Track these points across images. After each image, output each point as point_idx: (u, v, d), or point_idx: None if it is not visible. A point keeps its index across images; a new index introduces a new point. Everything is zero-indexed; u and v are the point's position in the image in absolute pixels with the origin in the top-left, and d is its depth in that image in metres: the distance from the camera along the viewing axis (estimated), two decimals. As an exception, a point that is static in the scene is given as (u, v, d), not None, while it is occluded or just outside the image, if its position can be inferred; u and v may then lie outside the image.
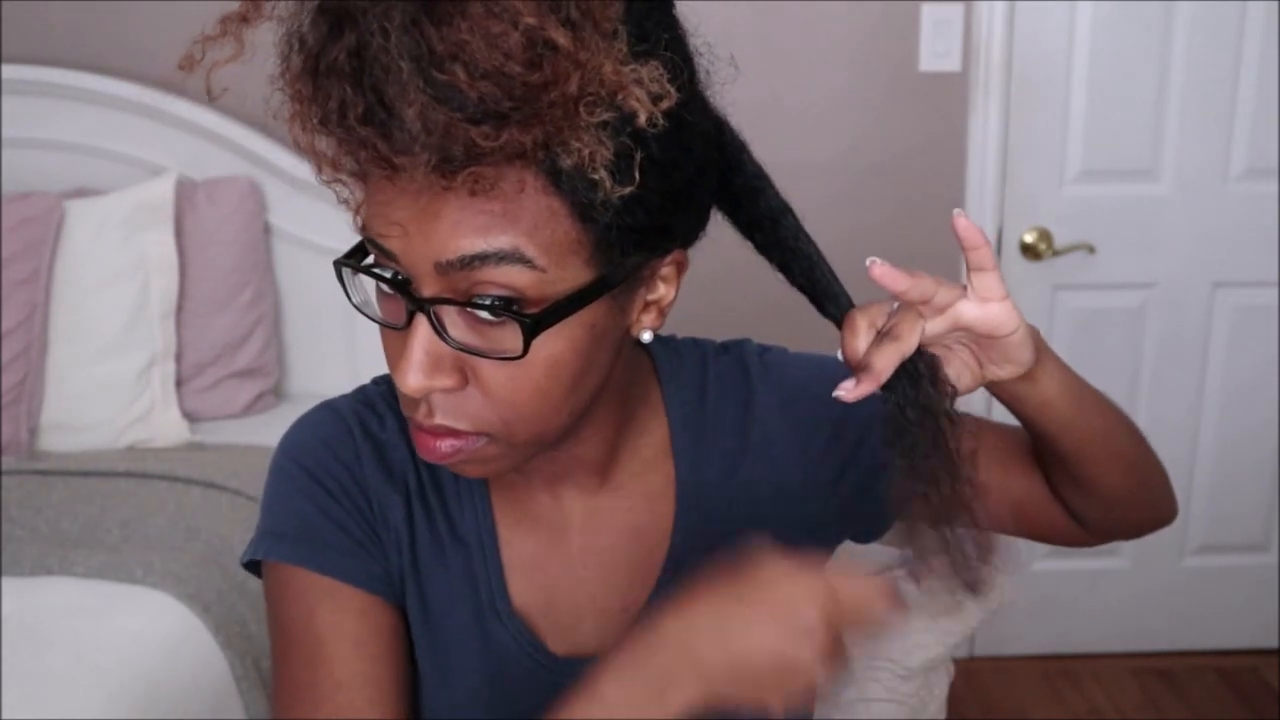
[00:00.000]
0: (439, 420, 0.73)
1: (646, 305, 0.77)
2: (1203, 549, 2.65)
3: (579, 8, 0.63)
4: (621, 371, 0.82)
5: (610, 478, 0.88)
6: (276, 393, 2.35)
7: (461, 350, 0.70)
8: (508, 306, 0.68)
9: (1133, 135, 2.41)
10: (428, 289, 0.69)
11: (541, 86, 0.62)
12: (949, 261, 2.47)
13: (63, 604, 1.66)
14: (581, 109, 0.63)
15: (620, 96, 0.64)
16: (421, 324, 0.70)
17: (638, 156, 0.66)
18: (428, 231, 0.67)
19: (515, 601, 0.88)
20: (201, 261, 2.23)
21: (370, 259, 0.72)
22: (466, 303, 0.68)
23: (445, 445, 0.74)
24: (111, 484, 1.96)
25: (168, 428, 2.17)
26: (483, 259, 0.67)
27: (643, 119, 0.65)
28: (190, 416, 2.23)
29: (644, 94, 0.65)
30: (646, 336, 0.78)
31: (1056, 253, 2.44)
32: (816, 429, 0.91)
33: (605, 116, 0.64)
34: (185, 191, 2.25)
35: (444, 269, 0.67)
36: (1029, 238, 2.44)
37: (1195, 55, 2.36)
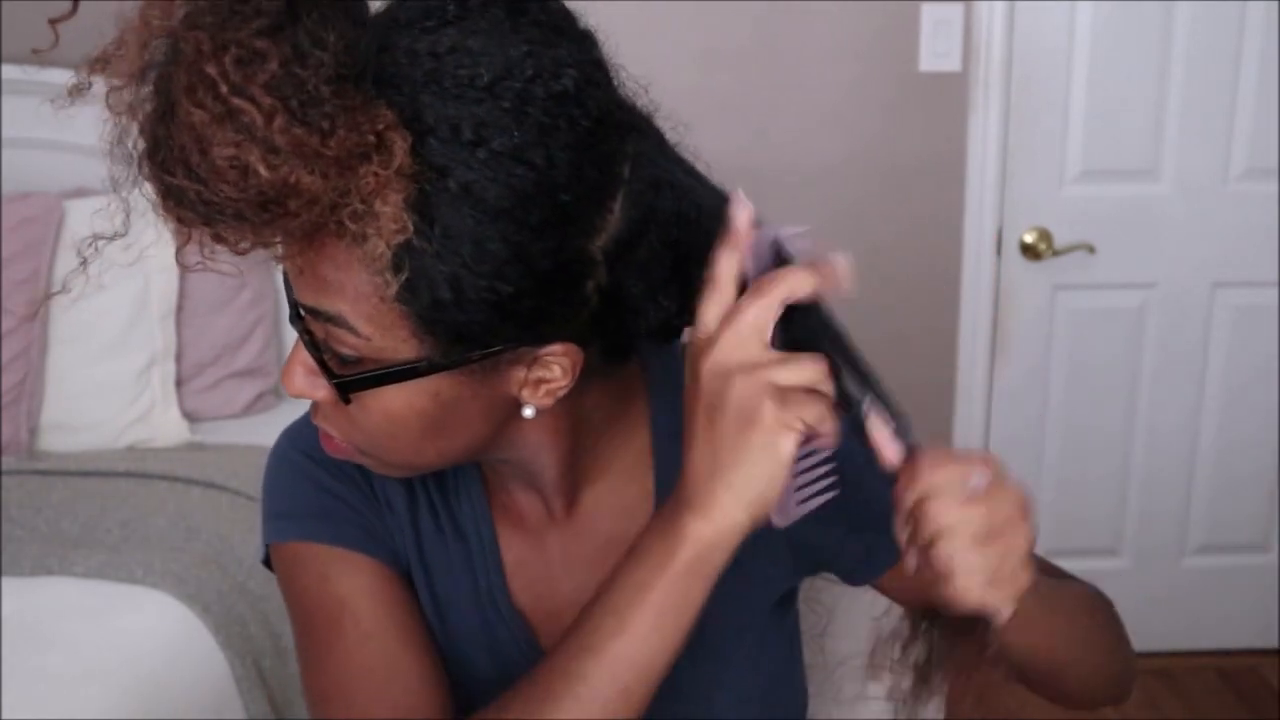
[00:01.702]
0: (318, 422, 0.78)
1: (535, 383, 0.74)
2: (1203, 549, 2.65)
3: (286, 137, 0.61)
4: (583, 402, 0.80)
5: (581, 492, 0.87)
6: (276, 393, 2.35)
7: (320, 371, 0.73)
8: (324, 358, 0.71)
9: (1133, 135, 2.41)
10: (303, 313, 0.72)
11: (256, 203, 0.62)
12: (948, 261, 2.49)
13: (63, 604, 1.66)
14: (342, 216, 0.63)
15: (377, 219, 0.63)
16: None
17: (403, 275, 0.65)
18: (289, 274, 0.71)
19: (514, 597, 0.89)
20: (201, 261, 2.23)
21: None
22: (305, 339, 0.72)
23: (330, 444, 0.79)
24: (111, 484, 1.95)
25: (168, 428, 2.17)
26: (317, 314, 0.70)
27: (380, 248, 0.64)
28: (190, 416, 2.23)
29: (384, 224, 0.63)
30: (528, 413, 0.75)
31: (1056, 253, 2.44)
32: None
33: (367, 228, 0.64)
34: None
35: (302, 307, 0.71)
36: (1029, 238, 2.44)
37: (1195, 55, 2.36)
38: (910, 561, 0.69)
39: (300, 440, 0.89)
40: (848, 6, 2.33)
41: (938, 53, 2.35)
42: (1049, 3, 2.35)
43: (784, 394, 0.66)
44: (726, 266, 0.68)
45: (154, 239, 0.71)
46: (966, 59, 2.36)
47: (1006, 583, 0.67)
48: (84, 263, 0.71)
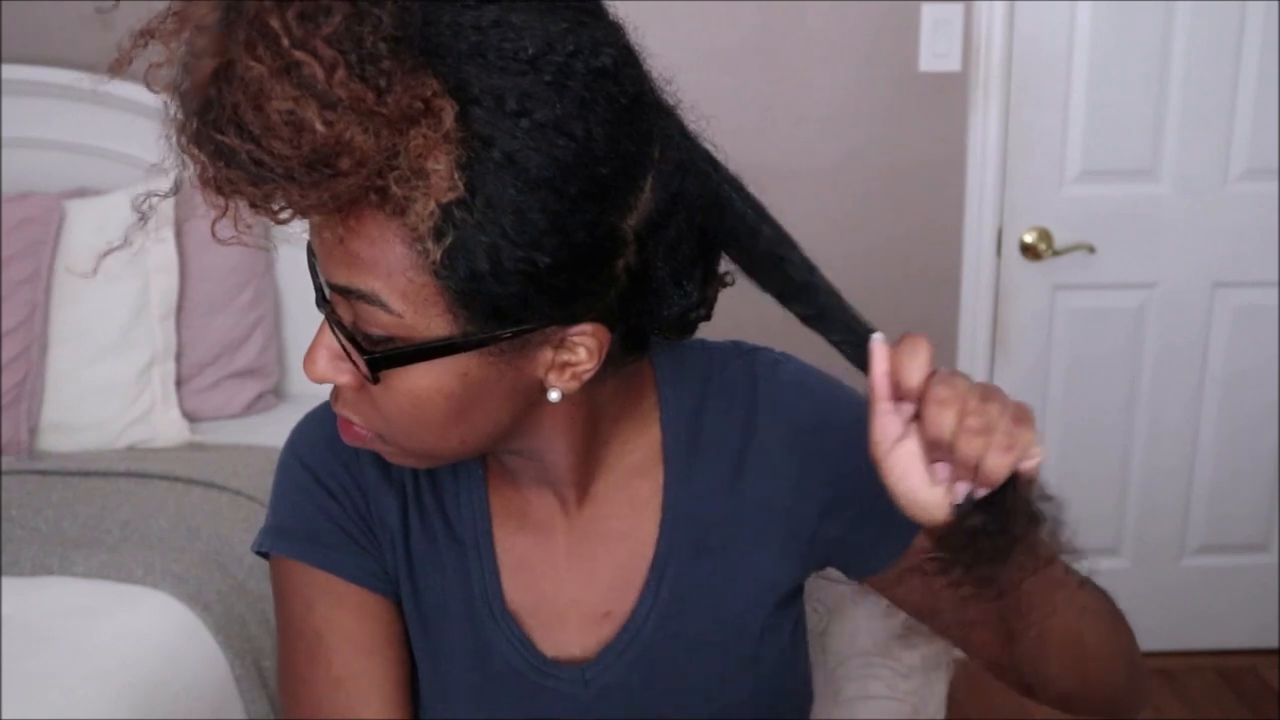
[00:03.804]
0: (339, 409, 0.78)
1: (561, 365, 0.74)
2: (1203, 549, 2.65)
3: (346, 90, 0.61)
4: (598, 393, 0.81)
5: (592, 486, 0.88)
6: (276, 393, 2.35)
7: (346, 355, 0.73)
8: (355, 337, 0.71)
9: (1133, 135, 2.41)
10: (329, 295, 0.73)
11: (307, 162, 0.62)
12: (948, 261, 2.48)
13: (63, 604, 1.66)
14: (390, 180, 0.64)
15: (427, 179, 0.64)
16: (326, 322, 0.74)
17: (447, 239, 0.65)
18: (321, 253, 0.71)
19: (508, 601, 0.89)
20: (201, 262, 2.23)
21: None
22: (332, 321, 0.72)
23: (350, 431, 0.79)
24: (111, 484, 1.95)
25: (168, 428, 2.17)
26: (349, 292, 0.70)
27: (426, 207, 0.64)
28: (190, 416, 2.23)
29: (435, 183, 0.64)
30: (554, 396, 0.76)
31: (1056, 253, 2.44)
32: (813, 469, 0.89)
33: (415, 191, 0.64)
34: (186, 192, 2.24)
35: (332, 287, 0.71)
36: (1029, 238, 2.44)
37: (1195, 55, 2.36)
38: (957, 486, 0.72)
39: (303, 448, 0.90)
40: (848, 6, 2.33)
41: (938, 53, 2.35)
42: (1049, 3, 2.35)
43: None
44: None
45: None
46: (966, 59, 2.36)
47: (1025, 419, 0.70)
48: (142, 218, 0.71)
